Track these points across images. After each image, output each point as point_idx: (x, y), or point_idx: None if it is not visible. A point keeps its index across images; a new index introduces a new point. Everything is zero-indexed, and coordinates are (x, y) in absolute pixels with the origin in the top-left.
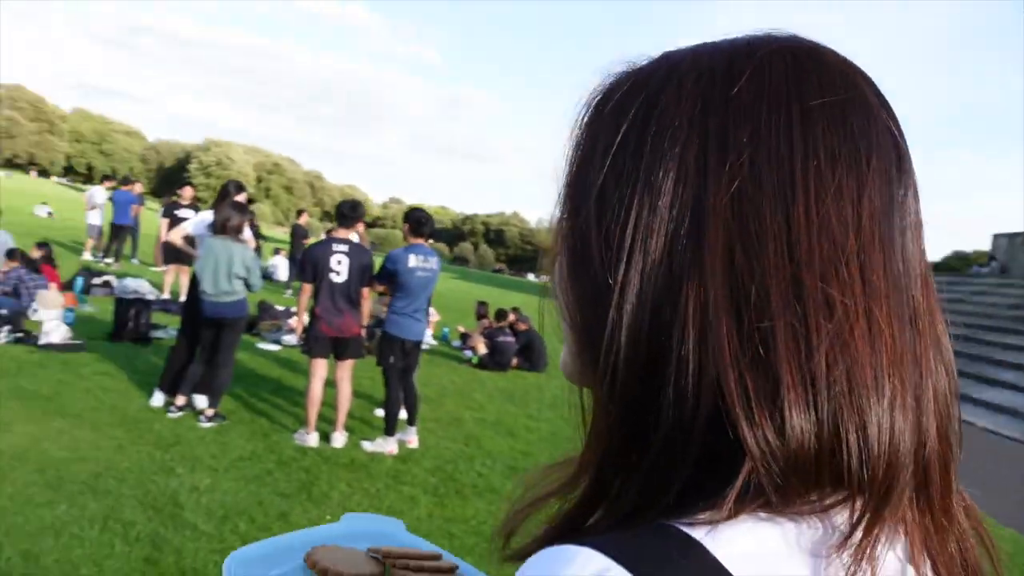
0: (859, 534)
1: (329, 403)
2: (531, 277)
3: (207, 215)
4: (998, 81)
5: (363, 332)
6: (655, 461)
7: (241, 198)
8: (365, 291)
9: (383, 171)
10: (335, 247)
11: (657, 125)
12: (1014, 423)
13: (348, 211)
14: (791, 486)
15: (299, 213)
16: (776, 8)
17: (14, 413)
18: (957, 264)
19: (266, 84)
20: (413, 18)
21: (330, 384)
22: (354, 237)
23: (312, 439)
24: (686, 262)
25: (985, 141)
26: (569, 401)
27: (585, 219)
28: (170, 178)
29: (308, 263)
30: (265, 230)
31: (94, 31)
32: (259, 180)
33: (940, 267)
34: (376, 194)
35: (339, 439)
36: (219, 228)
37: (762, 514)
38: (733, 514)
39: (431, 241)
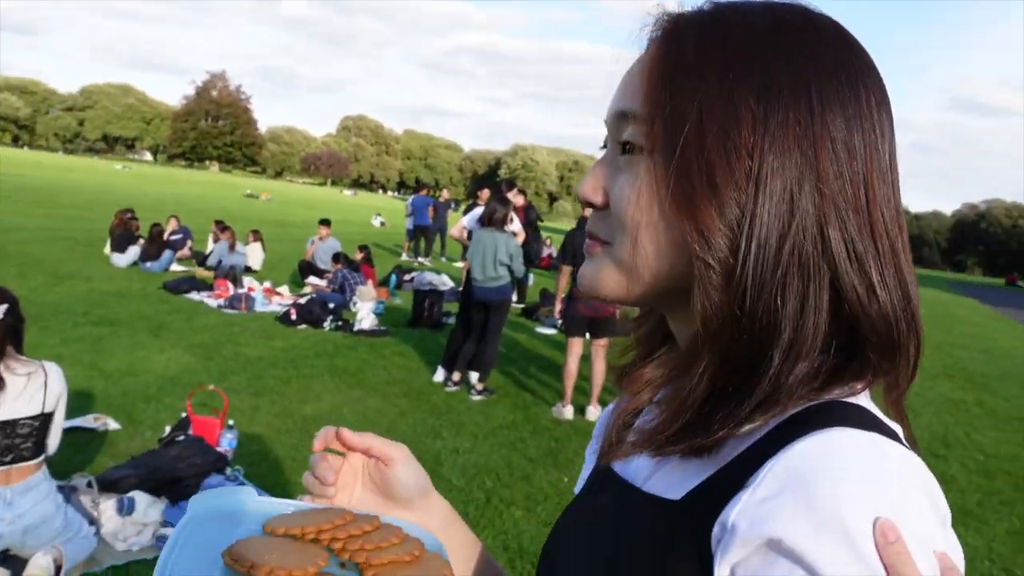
0: (896, 393)
1: (587, 379)
2: None
3: (479, 210)
4: None
5: (617, 312)
6: (793, 352)
7: (512, 195)
8: None
9: None
10: None
11: (836, 100)
12: None
13: None
14: (883, 358)
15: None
16: None
17: (325, 385)
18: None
19: (570, 88)
20: None
21: (588, 360)
22: None
23: (568, 412)
24: (809, 191)
25: None
26: None
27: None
28: (482, 183)
29: (567, 246)
30: (564, 224)
31: (420, 56)
32: (561, 178)
33: None
34: None
35: (593, 412)
36: (486, 220)
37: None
38: (869, 385)
39: None
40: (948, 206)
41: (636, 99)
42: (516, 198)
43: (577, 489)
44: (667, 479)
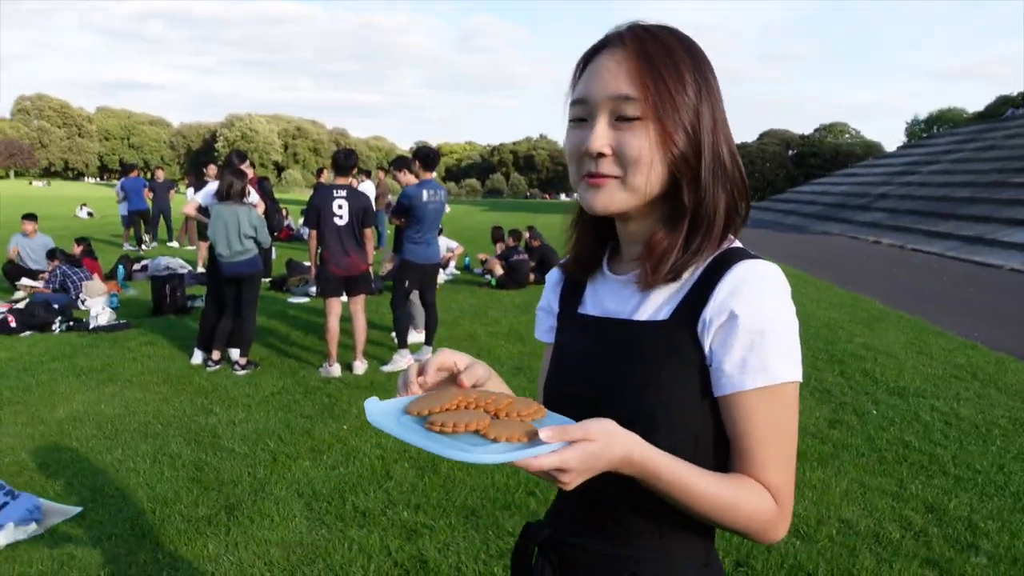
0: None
1: (350, 335)
2: (563, 197)
3: (213, 186)
4: None
5: (370, 269)
6: (720, 214)
7: (245, 166)
8: (367, 231)
9: (407, 116)
10: (336, 193)
11: (711, 76)
12: None
13: (343, 160)
14: (741, 219)
15: (319, 172)
16: None
17: (72, 387)
18: (1000, 110)
19: (281, 50)
20: None
21: (348, 320)
22: (369, 185)
23: (335, 370)
24: (721, 127)
25: None
26: None
27: (710, 117)
28: (199, 159)
29: (311, 210)
30: (298, 194)
31: (101, 26)
32: (285, 147)
33: (983, 115)
34: (402, 140)
35: (360, 367)
36: (224, 195)
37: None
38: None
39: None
40: None
41: (630, 87)
42: (248, 170)
43: (542, 337)
44: (650, 309)
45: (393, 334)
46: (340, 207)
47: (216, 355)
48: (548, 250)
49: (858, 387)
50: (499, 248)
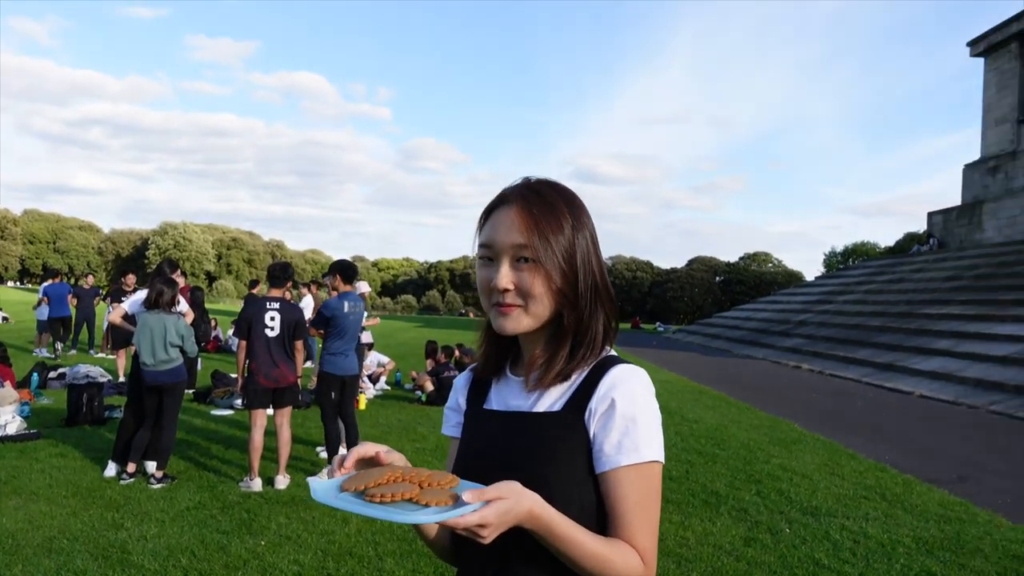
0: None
1: (273, 450)
2: None
3: (142, 294)
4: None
5: (298, 382)
6: (599, 331)
7: (176, 275)
8: (299, 344)
9: (344, 231)
10: (268, 305)
11: (586, 218)
12: (948, 387)
13: (279, 272)
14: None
15: (252, 284)
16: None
17: None
18: (908, 245)
19: (221, 162)
20: (362, 77)
21: (273, 434)
22: (309, 300)
23: (256, 484)
24: (600, 268)
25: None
26: None
27: (584, 254)
28: (128, 267)
29: (243, 321)
30: (229, 305)
31: (39, 129)
32: (219, 257)
33: (893, 250)
34: (338, 254)
35: (282, 481)
36: (152, 303)
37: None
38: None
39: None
40: None
41: (523, 236)
42: (179, 279)
43: (449, 432)
44: (546, 403)
45: (319, 449)
46: (272, 319)
47: (131, 467)
48: None
49: (773, 506)
50: (430, 364)
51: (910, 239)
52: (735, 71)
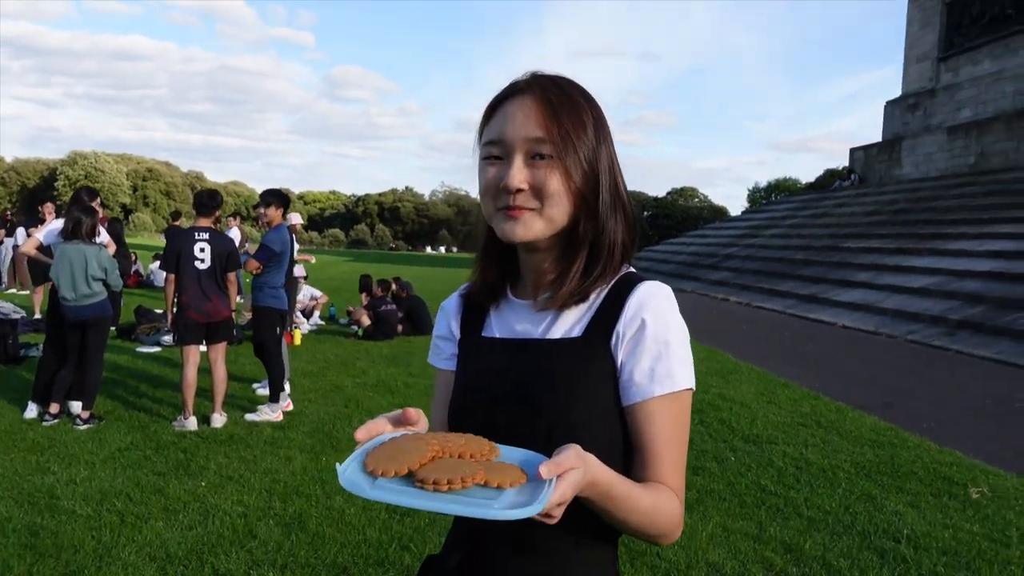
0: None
1: (207, 388)
2: (428, 250)
3: (58, 223)
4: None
5: (232, 315)
6: (617, 244)
7: (96, 204)
8: (231, 276)
9: (267, 162)
10: (197, 236)
11: (606, 122)
12: (868, 318)
13: (207, 200)
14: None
15: (174, 216)
16: None
17: None
18: (828, 181)
19: (132, 87)
20: (283, 1)
21: (206, 370)
22: (236, 232)
23: (191, 423)
24: (623, 183)
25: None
26: None
27: (607, 161)
28: (36, 198)
29: (170, 253)
30: (148, 239)
31: None
32: (135, 189)
33: (814, 186)
34: (262, 186)
35: (218, 419)
36: (70, 233)
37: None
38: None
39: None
40: None
41: (541, 128)
42: (98, 208)
43: (439, 364)
44: (561, 329)
45: (255, 385)
46: (202, 250)
47: (54, 408)
48: (417, 301)
49: (716, 435)
50: (366, 298)
51: (830, 175)
52: (666, 4)
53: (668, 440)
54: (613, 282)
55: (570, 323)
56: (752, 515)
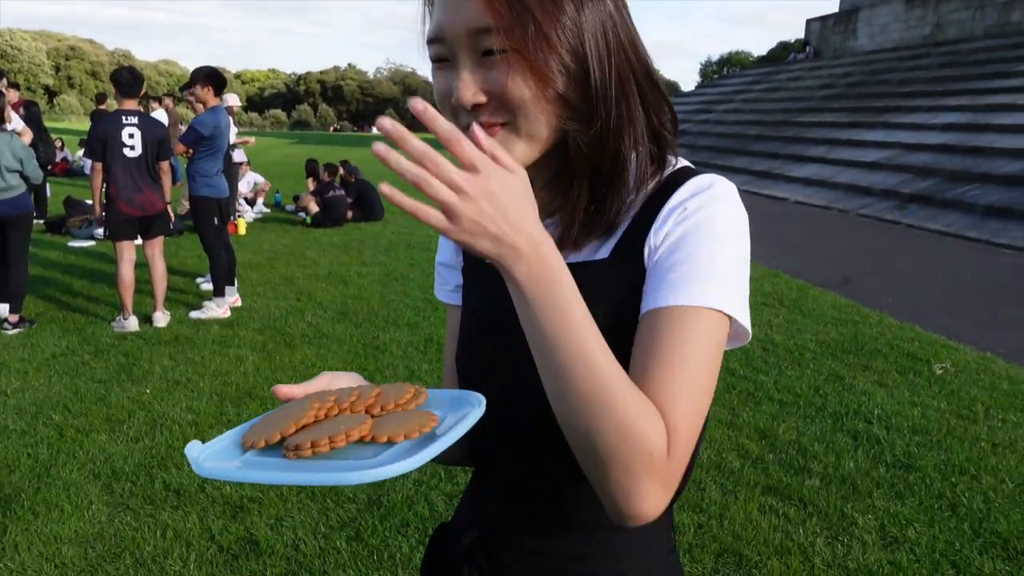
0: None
1: (147, 283)
2: (375, 131)
3: None
4: None
5: (168, 207)
6: (637, 143)
7: (3, 86)
8: (164, 164)
9: (199, 39)
10: (125, 120)
11: None
12: (821, 193)
13: (128, 78)
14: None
15: (100, 98)
16: None
17: None
18: (781, 54)
19: None
20: None
21: (144, 266)
22: (161, 114)
23: (131, 324)
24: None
25: None
26: (405, 242)
27: (598, 25)
28: None
29: (95, 140)
30: (75, 123)
31: None
32: (57, 69)
33: (766, 59)
34: (195, 65)
35: (161, 319)
36: None
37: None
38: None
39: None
40: None
41: (489, 17)
42: (10, 92)
43: (445, 297)
44: (583, 253)
45: (199, 280)
46: (131, 136)
47: None
48: (366, 186)
49: None
50: (312, 184)
51: (783, 48)
52: None
53: (672, 355)
54: (654, 184)
55: (595, 244)
56: (724, 401)
